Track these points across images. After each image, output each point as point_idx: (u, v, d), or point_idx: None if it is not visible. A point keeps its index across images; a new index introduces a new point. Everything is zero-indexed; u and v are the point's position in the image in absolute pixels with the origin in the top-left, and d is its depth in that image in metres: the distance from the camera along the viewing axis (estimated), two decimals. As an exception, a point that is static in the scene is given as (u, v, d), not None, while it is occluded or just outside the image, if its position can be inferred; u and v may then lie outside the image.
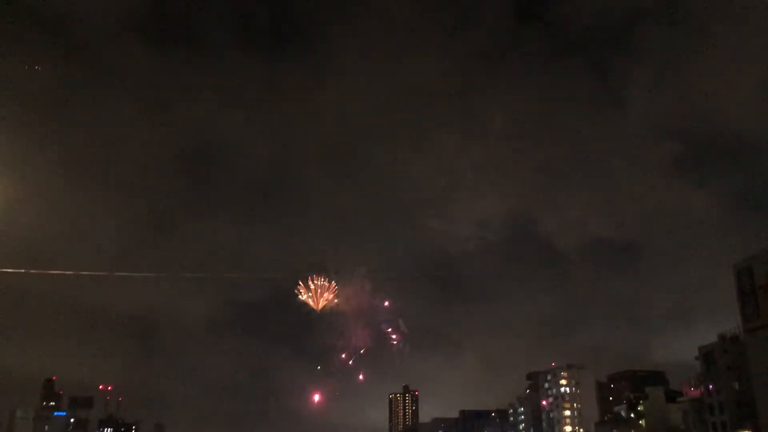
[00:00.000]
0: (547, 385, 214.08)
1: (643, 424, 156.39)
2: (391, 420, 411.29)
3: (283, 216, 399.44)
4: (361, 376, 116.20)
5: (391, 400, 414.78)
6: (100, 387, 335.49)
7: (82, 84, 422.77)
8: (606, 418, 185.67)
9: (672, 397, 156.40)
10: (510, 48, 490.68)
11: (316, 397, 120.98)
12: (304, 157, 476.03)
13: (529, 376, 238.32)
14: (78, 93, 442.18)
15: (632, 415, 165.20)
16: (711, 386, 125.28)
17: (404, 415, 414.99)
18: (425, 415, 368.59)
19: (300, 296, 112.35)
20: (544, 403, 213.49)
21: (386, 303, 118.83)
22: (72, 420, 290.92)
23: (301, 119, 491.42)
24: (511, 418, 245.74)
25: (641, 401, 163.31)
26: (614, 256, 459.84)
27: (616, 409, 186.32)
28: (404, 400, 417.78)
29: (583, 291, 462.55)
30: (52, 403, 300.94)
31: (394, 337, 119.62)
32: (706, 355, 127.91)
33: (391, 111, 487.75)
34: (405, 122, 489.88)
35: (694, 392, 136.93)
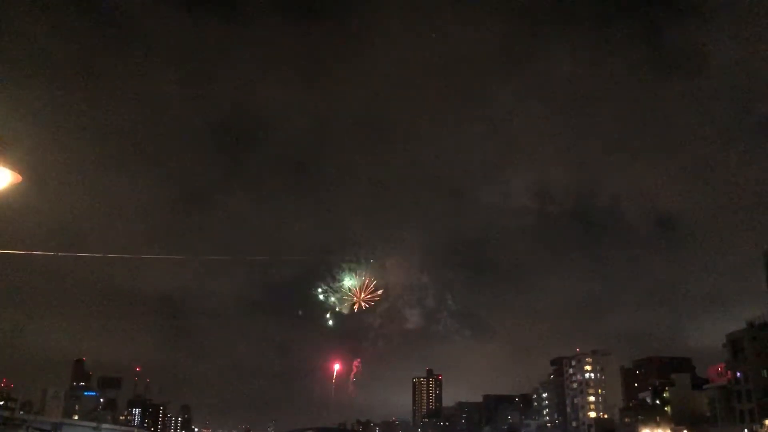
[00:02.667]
0: (571, 371, 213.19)
1: (669, 411, 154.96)
2: (414, 403, 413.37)
3: (320, 191, 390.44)
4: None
5: (414, 384, 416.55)
6: (137, 369, 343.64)
7: (113, 54, 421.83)
8: (631, 404, 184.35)
9: (698, 384, 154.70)
10: (566, 8, 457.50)
11: (336, 366, 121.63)
12: (342, 129, 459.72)
13: (554, 362, 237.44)
14: (110, 64, 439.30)
15: (657, 402, 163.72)
16: (738, 374, 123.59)
17: (428, 398, 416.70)
18: (449, 399, 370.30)
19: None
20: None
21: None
22: (101, 400, 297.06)
23: (340, 90, 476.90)
24: (535, 404, 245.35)
25: (667, 388, 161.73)
26: (665, 233, 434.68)
27: (641, 395, 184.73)
28: (428, 383, 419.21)
29: (622, 272, 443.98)
30: (82, 383, 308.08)
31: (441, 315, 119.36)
32: (734, 342, 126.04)
33: (435, 79, 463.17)
34: (450, 90, 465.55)
35: (721, 380, 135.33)
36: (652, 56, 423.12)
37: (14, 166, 11.82)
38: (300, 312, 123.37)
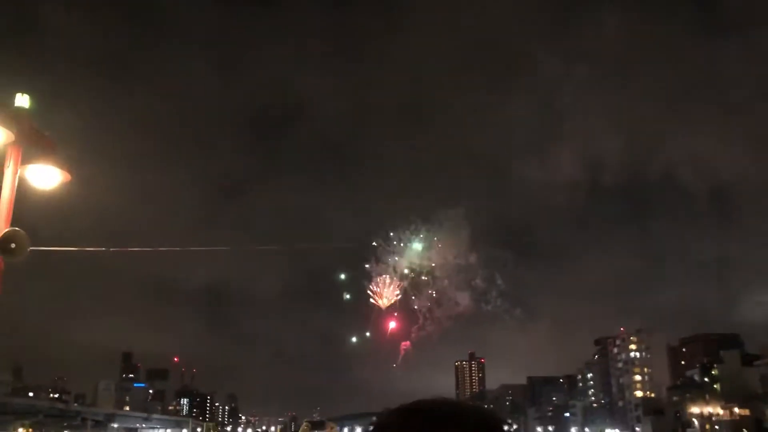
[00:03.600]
0: (616, 350, 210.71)
1: (718, 389, 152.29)
2: (457, 387, 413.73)
3: (359, 176, 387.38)
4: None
5: (457, 368, 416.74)
6: (176, 359, 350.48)
7: (148, 43, 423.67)
8: (678, 383, 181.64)
9: (749, 360, 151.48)
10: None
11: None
12: (379, 113, 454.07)
13: (598, 342, 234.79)
14: (144, 52, 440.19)
15: (706, 380, 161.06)
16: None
17: (471, 382, 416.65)
18: (492, 382, 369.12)
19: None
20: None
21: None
22: (150, 391, 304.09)
23: (376, 74, 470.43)
24: (580, 384, 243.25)
25: (715, 365, 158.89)
26: (717, 205, 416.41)
27: (688, 373, 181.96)
28: (470, 367, 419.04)
29: (672, 247, 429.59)
30: (131, 375, 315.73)
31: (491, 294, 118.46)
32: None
33: (476, 54, 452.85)
34: (493, 65, 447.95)
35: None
36: (707, 14, 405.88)
37: (63, 164, 11.97)
38: (347, 296, 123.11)
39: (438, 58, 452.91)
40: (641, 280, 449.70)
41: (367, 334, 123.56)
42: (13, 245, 10.45)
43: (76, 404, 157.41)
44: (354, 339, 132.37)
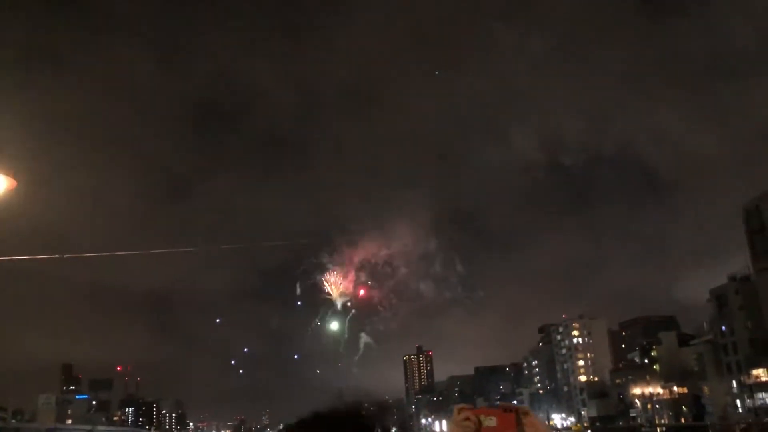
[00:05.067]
0: (559, 337, 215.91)
1: (657, 369, 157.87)
2: (407, 381, 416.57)
3: (307, 170, 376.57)
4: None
5: (405, 362, 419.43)
6: (118, 368, 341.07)
7: (80, 33, 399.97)
8: (620, 366, 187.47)
9: (685, 340, 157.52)
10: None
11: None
12: (328, 100, 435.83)
13: (541, 329, 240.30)
14: (76, 43, 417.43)
15: (646, 361, 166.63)
16: (724, 327, 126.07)
17: (420, 375, 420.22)
18: (441, 374, 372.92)
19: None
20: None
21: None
22: (94, 402, 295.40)
23: (322, 57, 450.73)
24: (526, 372, 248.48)
25: (654, 346, 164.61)
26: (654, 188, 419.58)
27: (629, 356, 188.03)
28: (419, 360, 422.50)
29: (613, 232, 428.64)
30: (72, 387, 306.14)
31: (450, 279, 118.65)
32: (719, 297, 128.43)
33: (426, 34, 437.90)
34: (444, 44, 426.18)
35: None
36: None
37: (7, 170, 11.46)
38: (299, 301, 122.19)
39: (386, 39, 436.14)
40: (585, 266, 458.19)
41: (318, 323, 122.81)
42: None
43: (14, 420, 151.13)
44: (309, 329, 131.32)
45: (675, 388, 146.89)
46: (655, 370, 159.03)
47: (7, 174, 11.22)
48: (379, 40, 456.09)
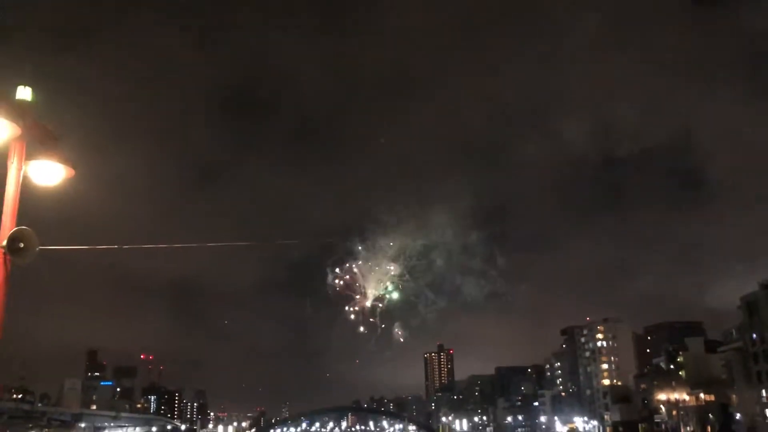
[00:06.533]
0: (583, 340, 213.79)
1: (684, 375, 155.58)
2: (427, 378, 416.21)
3: (343, 157, 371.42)
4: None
5: (426, 360, 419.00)
6: (142, 356, 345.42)
7: (117, 16, 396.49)
8: (645, 371, 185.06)
9: (712, 347, 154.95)
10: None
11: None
12: (363, 89, 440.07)
13: (564, 331, 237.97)
14: (114, 27, 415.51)
15: (672, 367, 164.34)
16: (754, 335, 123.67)
17: (440, 373, 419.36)
18: (461, 373, 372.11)
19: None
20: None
21: None
22: (117, 389, 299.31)
23: (360, 45, 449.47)
24: (548, 374, 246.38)
25: (680, 352, 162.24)
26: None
27: (654, 361, 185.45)
28: (439, 358, 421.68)
29: (649, 234, 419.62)
30: (97, 374, 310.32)
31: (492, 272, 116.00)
32: (749, 304, 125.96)
33: (467, 19, 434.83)
34: (486, 29, 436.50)
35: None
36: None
37: (66, 159, 11.35)
38: (325, 294, 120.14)
39: (426, 26, 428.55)
40: (616, 267, 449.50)
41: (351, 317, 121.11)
42: (21, 245, 9.88)
43: (41, 404, 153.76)
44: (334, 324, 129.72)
45: (702, 396, 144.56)
46: (680, 376, 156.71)
47: (66, 163, 11.17)
48: (422, 27, 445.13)
